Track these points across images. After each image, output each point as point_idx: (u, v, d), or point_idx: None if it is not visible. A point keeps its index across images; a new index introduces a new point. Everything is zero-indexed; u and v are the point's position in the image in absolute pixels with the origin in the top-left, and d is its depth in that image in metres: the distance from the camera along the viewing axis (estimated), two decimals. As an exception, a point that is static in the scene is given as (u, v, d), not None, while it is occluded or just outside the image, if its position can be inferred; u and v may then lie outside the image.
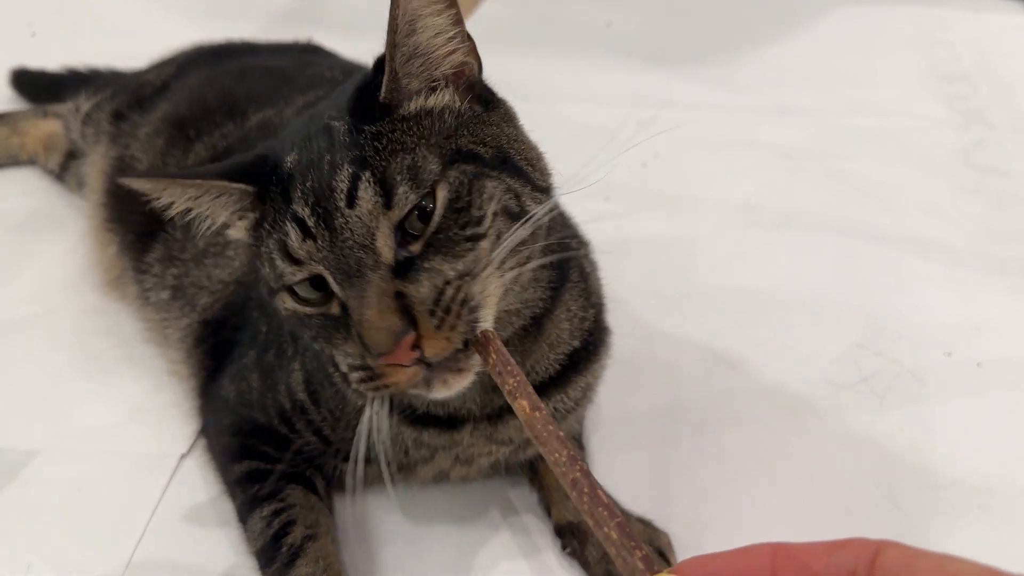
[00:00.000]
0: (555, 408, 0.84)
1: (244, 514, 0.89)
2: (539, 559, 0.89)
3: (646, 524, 0.88)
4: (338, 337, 0.69)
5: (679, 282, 1.21)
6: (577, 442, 0.96)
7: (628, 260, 1.22)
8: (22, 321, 1.21)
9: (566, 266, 0.83)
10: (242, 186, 0.71)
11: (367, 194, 0.65)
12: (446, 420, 0.83)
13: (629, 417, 1.01)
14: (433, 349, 0.64)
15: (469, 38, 0.72)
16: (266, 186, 0.70)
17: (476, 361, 0.67)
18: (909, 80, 1.67)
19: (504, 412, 0.83)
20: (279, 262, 0.68)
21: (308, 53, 1.43)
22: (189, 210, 0.73)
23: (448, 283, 0.65)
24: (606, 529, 0.47)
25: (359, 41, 1.52)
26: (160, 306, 1.09)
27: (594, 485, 0.48)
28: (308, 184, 0.67)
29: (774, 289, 1.19)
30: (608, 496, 0.48)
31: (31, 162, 1.50)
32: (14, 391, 1.10)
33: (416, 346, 0.64)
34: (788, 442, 0.97)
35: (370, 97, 0.70)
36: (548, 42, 1.79)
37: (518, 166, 0.71)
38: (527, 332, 0.80)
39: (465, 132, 0.70)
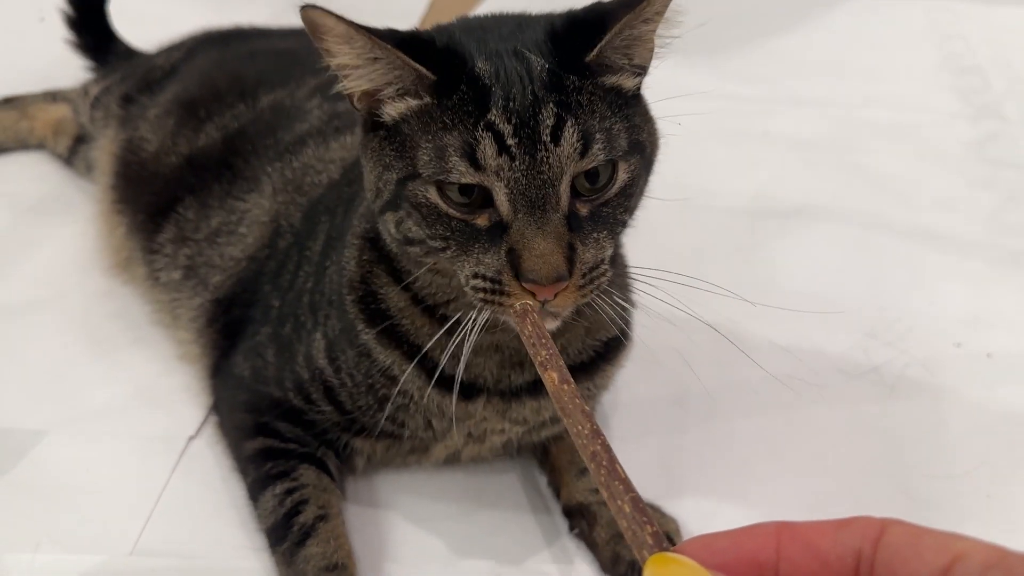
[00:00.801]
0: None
1: (256, 492, 0.89)
2: (547, 540, 0.89)
3: (655, 509, 0.88)
4: (475, 246, 0.69)
5: (690, 270, 1.21)
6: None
7: (639, 248, 1.21)
8: (31, 304, 1.21)
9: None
10: (426, 70, 0.69)
11: (571, 137, 0.67)
12: (465, 386, 0.83)
13: (639, 404, 1.01)
14: (564, 302, 0.69)
15: None
16: (450, 80, 0.69)
17: (569, 313, 0.73)
18: (923, 73, 1.66)
19: (520, 392, 0.84)
20: (455, 159, 0.67)
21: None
22: (352, 66, 0.70)
23: (603, 261, 0.71)
24: (620, 502, 0.47)
25: (366, 20, 1.54)
26: (171, 286, 1.09)
27: (613, 459, 0.49)
28: (511, 104, 0.67)
29: (785, 279, 1.19)
30: (625, 472, 0.48)
31: (40, 146, 1.50)
32: (23, 372, 1.10)
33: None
34: (798, 430, 0.97)
35: (569, 48, 0.70)
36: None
37: (653, 162, 0.77)
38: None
39: (640, 121, 0.74)
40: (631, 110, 0.73)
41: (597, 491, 0.88)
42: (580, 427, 0.51)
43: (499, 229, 0.68)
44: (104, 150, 1.31)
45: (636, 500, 0.47)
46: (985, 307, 1.14)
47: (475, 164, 0.67)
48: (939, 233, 1.27)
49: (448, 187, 0.69)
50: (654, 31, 0.72)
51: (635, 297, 0.91)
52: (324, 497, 0.87)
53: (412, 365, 0.81)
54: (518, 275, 0.67)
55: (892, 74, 1.66)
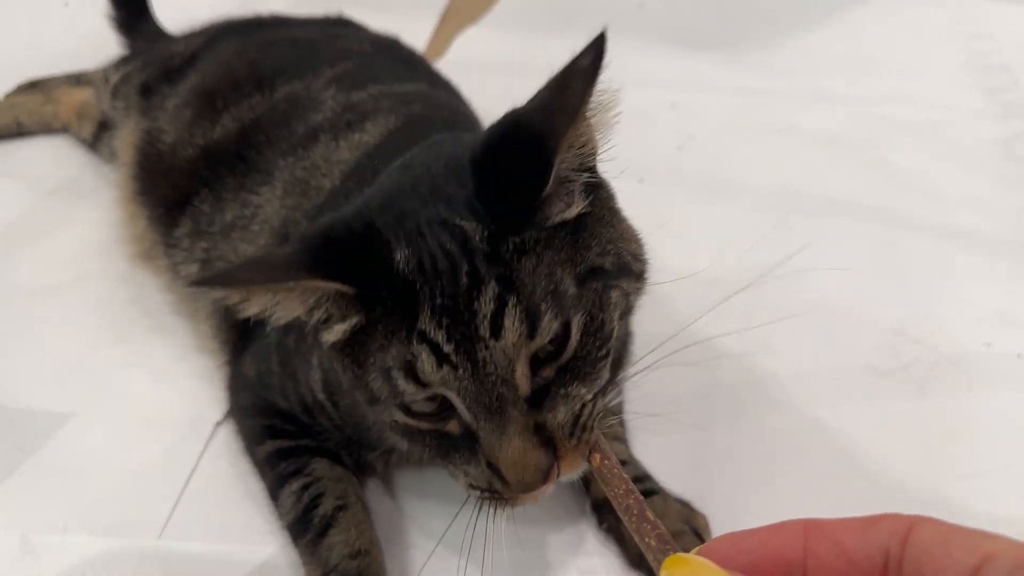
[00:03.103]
0: None
1: (274, 491, 0.89)
2: (576, 534, 0.89)
3: (684, 505, 0.88)
4: (457, 456, 0.65)
5: (716, 266, 1.20)
6: (618, 417, 0.95)
7: (663, 242, 1.21)
8: (55, 287, 1.21)
9: None
10: (341, 287, 0.62)
11: (513, 323, 0.59)
12: None
13: (667, 399, 1.00)
14: (570, 467, 0.63)
15: None
16: (371, 290, 0.62)
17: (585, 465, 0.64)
18: (949, 70, 1.65)
19: None
20: (400, 381, 0.62)
21: (338, 26, 1.42)
22: (272, 307, 0.64)
23: (584, 405, 0.62)
24: (647, 539, 0.51)
25: (387, 14, 1.54)
26: (190, 279, 1.09)
27: (644, 509, 0.53)
28: (439, 301, 0.60)
29: (813, 275, 1.18)
30: (655, 516, 0.53)
31: (64, 130, 1.50)
32: (46, 354, 1.10)
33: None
34: (827, 427, 0.97)
35: (504, 190, 0.62)
36: (579, 23, 1.76)
37: (628, 265, 0.67)
38: None
39: (590, 241, 0.64)
40: (580, 233, 0.64)
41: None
42: (617, 490, 0.56)
43: (471, 437, 0.63)
44: (125, 140, 1.30)
45: (662, 536, 0.51)
46: (1014, 307, 1.13)
47: (419, 383, 0.61)
48: (967, 231, 1.26)
49: (414, 404, 0.63)
50: (602, 120, 0.63)
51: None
52: (340, 487, 0.87)
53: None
54: (509, 487, 0.62)
55: (918, 71, 1.65)
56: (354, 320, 0.63)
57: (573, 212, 0.64)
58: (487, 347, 0.59)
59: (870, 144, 1.44)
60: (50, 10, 1.77)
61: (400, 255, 0.61)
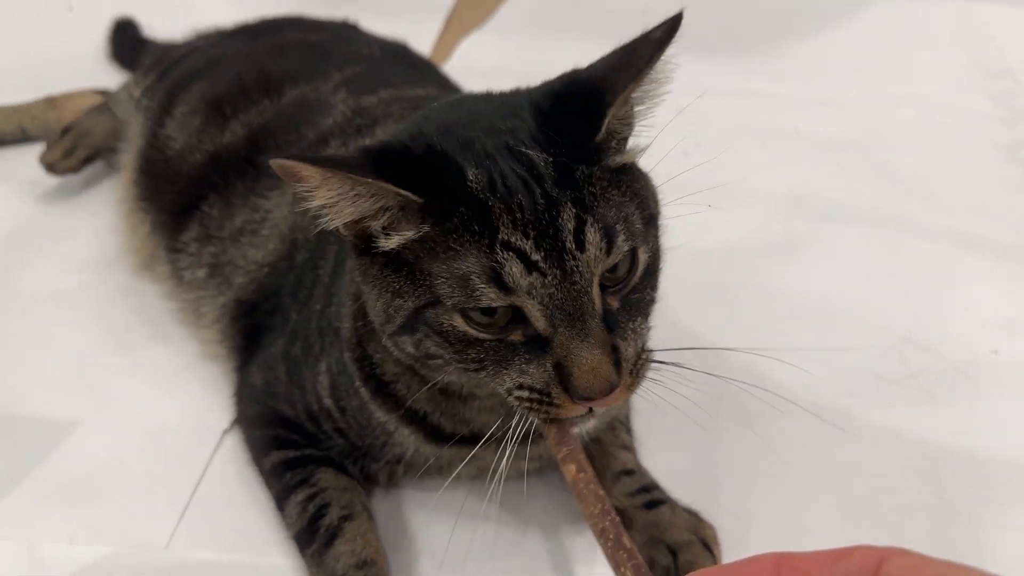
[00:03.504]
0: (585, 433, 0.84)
1: (280, 502, 0.89)
2: (584, 546, 0.88)
3: (692, 514, 0.87)
4: (515, 360, 0.67)
5: (723, 272, 1.20)
6: (625, 426, 0.95)
7: (669, 250, 1.20)
8: (59, 294, 1.21)
9: None
10: (412, 195, 0.64)
11: (595, 238, 0.64)
12: (471, 438, 0.82)
13: (672, 409, 1.00)
14: (618, 400, 0.66)
15: None
16: (440, 200, 0.65)
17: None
18: (954, 75, 1.65)
19: (526, 437, 0.83)
20: (480, 286, 0.63)
21: (345, 30, 1.42)
22: (332, 204, 0.65)
23: (644, 348, 0.69)
24: (623, 570, 0.52)
25: (391, 19, 1.54)
26: (196, 284, 1.09)
27: (620, 533, 0.54)
28: (519, 216, 0.63)
29: (820, 281, 1.18)
30: (631, 542, 0.53)
31: (68, 136, 1.50)
32: (53, 363, 1.10)
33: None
34: (835, 435, 0.96)
35: (566, 133, 0.66)
36: (585, 28, 1.77)
37: (659, 223, 0.74)
38: None
39: (646, 192, 0.71)
40: (637, 184, 0.70)
41: (633, 495, 0.88)
42: (593, 508, 0.57)
43: (538, 343, 0.66)
44: (131, 143, 1.31)
45: (638, 567, 0.52)
46: (1022, 313, 1.13)
47: (504, 288, 0.63)
48: (973, 237, 1.26)
49: (473, 311, 0.65)
50: (653, 92, 0.69)
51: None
52: (346, 497, 0.87)
53: (406, 425, 0.81)
54: (568, 390, 0.65)
55: (923, 75, 1.65)
56: (422, 229, 0.66)
57: (629, 157, 0.70)
58: (575, 259, 0.63)
59: (876, 149, 1.44)
60: (54, 14, 1.77)
61: (472, 175, 0.65)
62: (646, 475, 0.91)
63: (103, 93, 1.53)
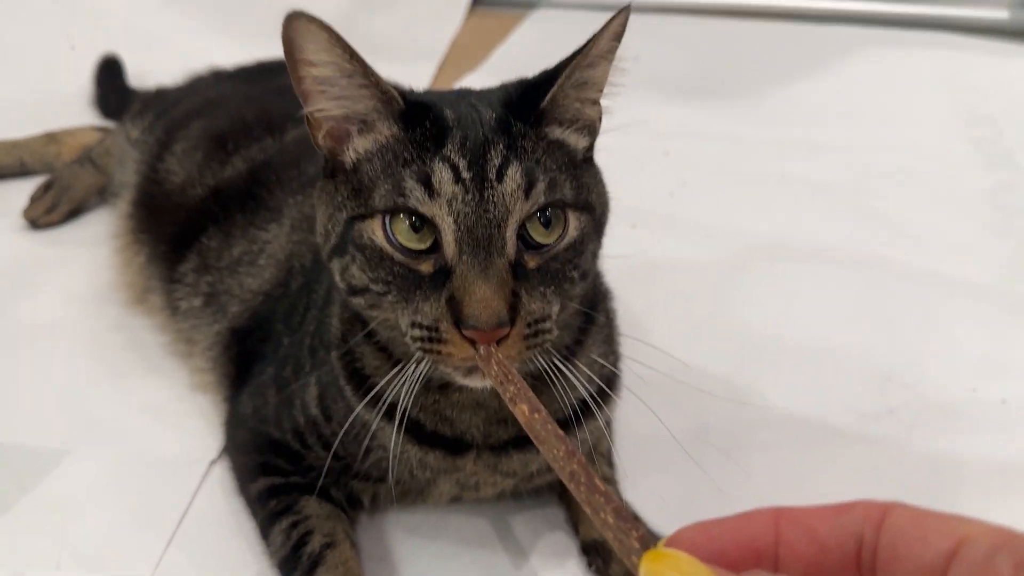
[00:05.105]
0: None
1: (265, 530, 0.89)
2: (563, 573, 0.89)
3: (673, 544, 0.88)
4: (416, 293, 0.70)
5: (707, 310, 1.22)
6: (606, 459, 0.96)
7: (655, 287, 1.23)
8: (53, 325, 1.23)
9: (594, 311, 0.86)
10: (396, 95, 0.72)
11: (514, 176, 0.69)
12: (451, 442, 0.84)
13: (658, 439, 1.01)
14: (506, 352, 0.67)
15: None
16: (416, 115, 0.72)
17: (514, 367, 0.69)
18: (936, 121, 1.69)
19: (508, 446, 0.85)
20: (411, 183, 0.69)
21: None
22: (327, 80, 0.72)
23: (548, 317, 0.70)
24: (603, 515, 0.48)
25: (389, 62, 1.57)
26: (191, 313, 1.11)
27: (591, 475, 0.50)
28: (466, 142, 0.70)
29: (802, 320, 1.20)
30: (605, 486, 0.49)
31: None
32: (44, 392, 1.11)
33: (497, 341, 0.67)
34: (816, 469, 0.98)
35: (522, 102, 0.74)
36: (577, 73, 1.81)
37: (603, 231, 0.78)
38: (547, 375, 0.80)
39: (589, 183, 0.76)
40: (579, 170, 0.75)
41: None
42: (556, 451, 0.53)
43: (442, 276, 0.69)
44: (128, 178, 1.33)
45: (618, 509, 0.47)
46: (1000, 353, 1.15)
47: (430, 191, 0.68)
48: (954, 279, 1.28)
49: (397, 223, 0.70)
50: (603, 76, 0.74)
51: (622, 350, 0.93)
52: (329, 525, 0.88)
53: (382, 419, 0.82)
54: (458, 323, 0.67)
55: (907, 121, 1.69)
56: (392, 130, 0.73)
57: (574, 142, 0.75)
58: (492, 188, 0.68)
59: (858, 192, 1.48)
60: (56, 54, 1.81)
61: (443, 108, 0.73)
62: (627, 507, 0.92)
63: (102, 130, 1.57)
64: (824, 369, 1.12)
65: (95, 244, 1.36)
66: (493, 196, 0.68)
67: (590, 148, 0.78)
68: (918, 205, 1.44)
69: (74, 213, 1.45)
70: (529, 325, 0.68)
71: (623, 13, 0.71)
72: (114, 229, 1.32)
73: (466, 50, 2.00)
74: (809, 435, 1.02)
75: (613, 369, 0.90)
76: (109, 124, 1.63)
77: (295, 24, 0.69)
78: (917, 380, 1.10)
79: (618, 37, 0.72)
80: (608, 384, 0.89)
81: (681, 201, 1.46)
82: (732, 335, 1.18)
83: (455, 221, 0.68)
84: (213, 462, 1.00)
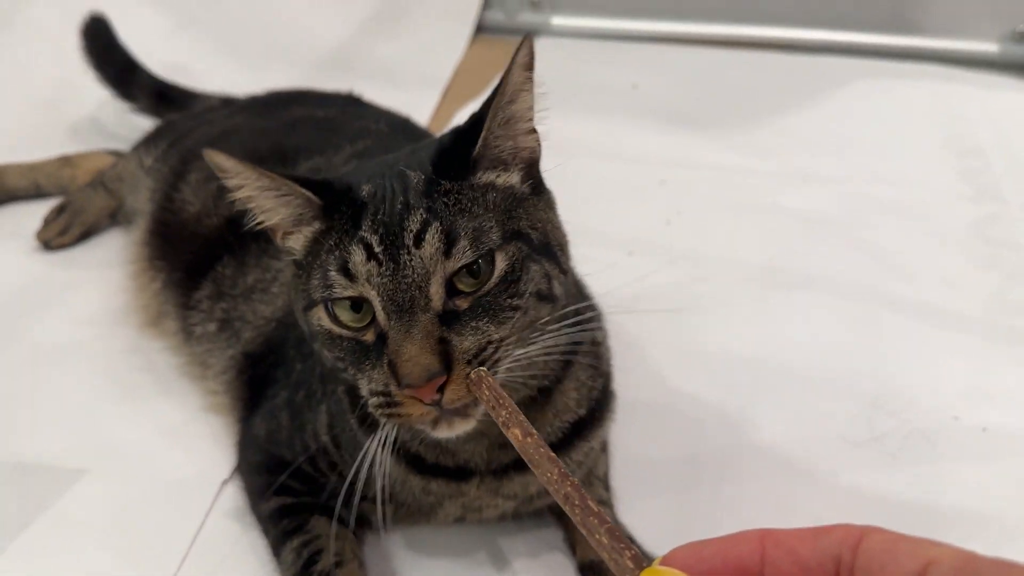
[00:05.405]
0: None
1: (277, 549, 0.93)
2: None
3: (666, 567, 0.91)
4: (367, 363, 0.74)
5: (700, 337, 1.26)
6: (603, 483, 1.00)
7: (650, 314, 1.26)
8: (66, 346, 1.27)
9: (578, 337, 0.88)
10: (312, 195, 0.76)
11: (433, 239, 0.71)
12: (454, 471, 0.88)
13: (652, 464, 1.05)
14: (453, 395, 0.70)
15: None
16: (335, 204, 0.76)
17: (481, 410, 0.73)
18: (926, 152, 1.72)
19: (509, 469, 0.88)
20: (333, 274, 0.73)
21: (352, 104, 1.50)
22: (252, 199, 0.77)
23: (490, 343, 0.72)
24: (597, 536, 0.50)
25: (394, 91, 1.62)
26: (205, 339, 1.15)
27: (584, 497, 0.52)
28: (380, 216, 0.73)
29: (792, 348, 1.23)
30: (599, 506, 0.51)
31: (81, 193, 1.56)
32: (62, 413, 1.15)
33: (440, 389, 0.70)
34: (804, 494, 1.01)
35: (449, 157, 0.77)
36: (576, 102, 1.85)
37: (553, 251, 0.79)
38: (534, 401, 0.85)
39: (522, 213, 0.77)
40: (513, 204, 0.77)
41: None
42: (549, 474, 0.55)
43: (381, 342, 0.73)
44: (142, 207, 1.37)
45: (612, 530, 0.49)
46: (983, 382, 1.18)
47: (349, 276, 0.72)
48: (941, 309, 1.31)
49: (338, 307, 0.74)
50: (527, 106, 0.76)
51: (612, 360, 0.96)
52: (338, 544, 0.91)
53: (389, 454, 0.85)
54: (399, 384, 0.70)
55: (897, 153, 1.73)
56: (316, 226, 0.77)
57: (504, 179, 0.78)
58: (409, 253, 0.71)
59: (849, 223, 1.51)
60: (67, 80, 1.85)
61: (363, 188, 0.76)
62: (623, 530, 0.96)
63: (116, 154, 1.61)
64: (812, 396, 1.16)
65: (106, 266, 1.40)
66: (411, 261, 0.71)
67: (531, 179, 0.80)
68: (907, 235, 1.48)
69: (86, 235, 1.50)
70: (469, 362, 0.71)
71: (527, 42, 0.74)
72: (129, 255, 1.35)
73: (470, 77, 2.04)
74: (797, 460, 1.06)
75: (603, 391, 0.93)
76: (118, 121, 1.67)
77: (209, 158, 0.75)
78: (902, 408, 1.14)
79: (529, 67, 0.74)
80: (600, 406, 0.92)
81: (677, 230, 1.50)
82: (724, 362, 1.22)
83: (378, 293, 0.72)
84: (225, 482, 1.04)
